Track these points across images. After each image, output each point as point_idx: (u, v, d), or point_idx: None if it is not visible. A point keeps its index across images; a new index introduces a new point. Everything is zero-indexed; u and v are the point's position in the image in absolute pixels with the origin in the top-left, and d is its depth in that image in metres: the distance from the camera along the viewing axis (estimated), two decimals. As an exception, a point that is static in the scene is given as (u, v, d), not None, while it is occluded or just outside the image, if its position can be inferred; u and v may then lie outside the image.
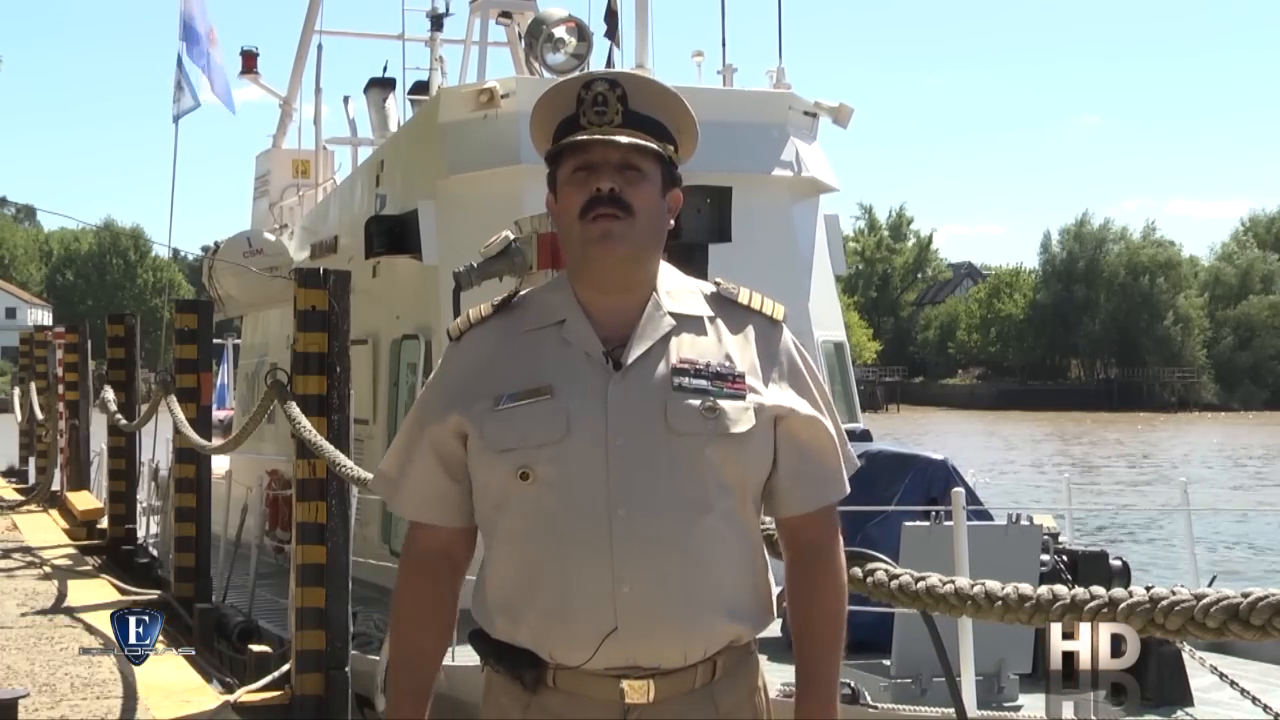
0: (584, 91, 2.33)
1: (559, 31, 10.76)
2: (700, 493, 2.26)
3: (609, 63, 11.13)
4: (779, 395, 2.34)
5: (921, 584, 3.03)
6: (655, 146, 2.32)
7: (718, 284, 2.43)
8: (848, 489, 2.43)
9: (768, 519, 2.47)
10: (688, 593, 2.22)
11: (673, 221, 2.41)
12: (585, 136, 2.30)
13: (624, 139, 2.29)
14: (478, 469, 2.33)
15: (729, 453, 2.27)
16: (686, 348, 2.32)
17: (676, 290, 2.39)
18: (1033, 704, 6.86)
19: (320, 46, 16.66)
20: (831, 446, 2.40)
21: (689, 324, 2.35)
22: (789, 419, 2.35)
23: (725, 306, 2.40)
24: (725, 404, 2.27)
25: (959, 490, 7.26)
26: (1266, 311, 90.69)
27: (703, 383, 2.28)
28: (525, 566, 2.27)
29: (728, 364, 2.32)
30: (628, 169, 2.30)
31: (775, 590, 2.42)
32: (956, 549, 6.76)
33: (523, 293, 2.44)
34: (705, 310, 2.38)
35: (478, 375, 2.35)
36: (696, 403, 2.26)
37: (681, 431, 2.25)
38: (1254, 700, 5.34)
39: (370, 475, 6.12)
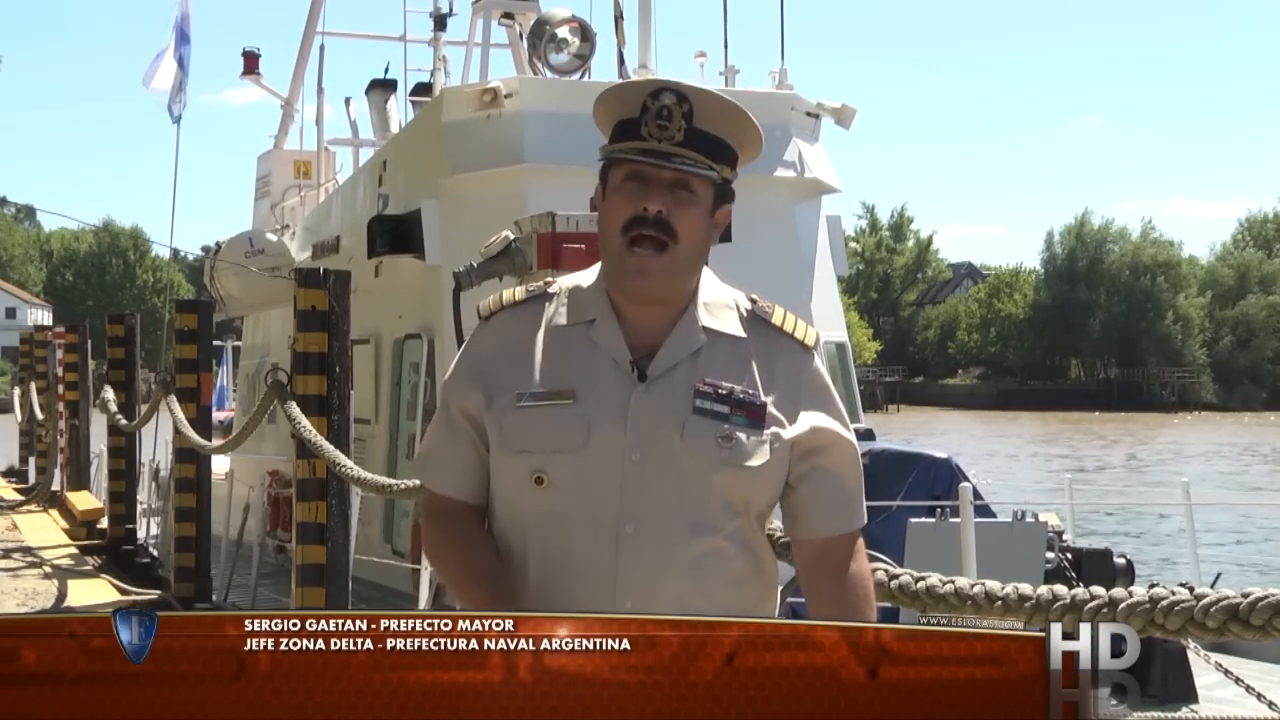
0: (650, 100, 2.28)
1: (562, 32, 10.76)
2: (707, 515, 2.25)
3: (620, 64, 11.12)
4: (803, 424, 2.32)
5: (921, 584, 3.04)
6: (709, 174, 2.29)
7: (754, 301, 2.40)
8: (865, 519, 2.42)
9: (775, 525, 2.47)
10: (690, 610, 2.19)
11: (718, 238, 2.38)
12: (640, 154, 2.27)
13: (679, 168, 2.26)
14: (494, 463, 2.32)
15: (739, 482, 2.26)
16: (714, 368, 2.29)
17: (713, 303, 2.36)
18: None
19: (322, 47, 16.66)
20: (855, 475, 2.39)
21: (720, 342, 2.32)
22: (812, 447, 2.33)
23: (758, 327, 2.36)
24: (742, 435, 2.26)
25: (966, 486, 7.27)
26: (1265, 312, 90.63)
27: (724, 408, 2.26)
28: (529, 568, 2.27)
29: (751, 392, 2.29)
30: (679, 188, 2.27)
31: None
32: (964, 546, 6.76)
33: (556, 284, 2.41)
34: (738, 330, 2.34)
35: (502, 362, 2.33)
36: (714, 428, 2.25)
37: (695, 455, 2.24)
38: (1259, 697, 5.33)
39: (370, 475, 6.14)
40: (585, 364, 2.29)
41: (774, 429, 2.28)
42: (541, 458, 2.25)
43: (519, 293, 2.40)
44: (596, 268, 2.40)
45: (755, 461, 2.26)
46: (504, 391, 2.30)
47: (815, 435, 2.33)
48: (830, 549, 2.37)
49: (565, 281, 2.42)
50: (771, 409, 2.29)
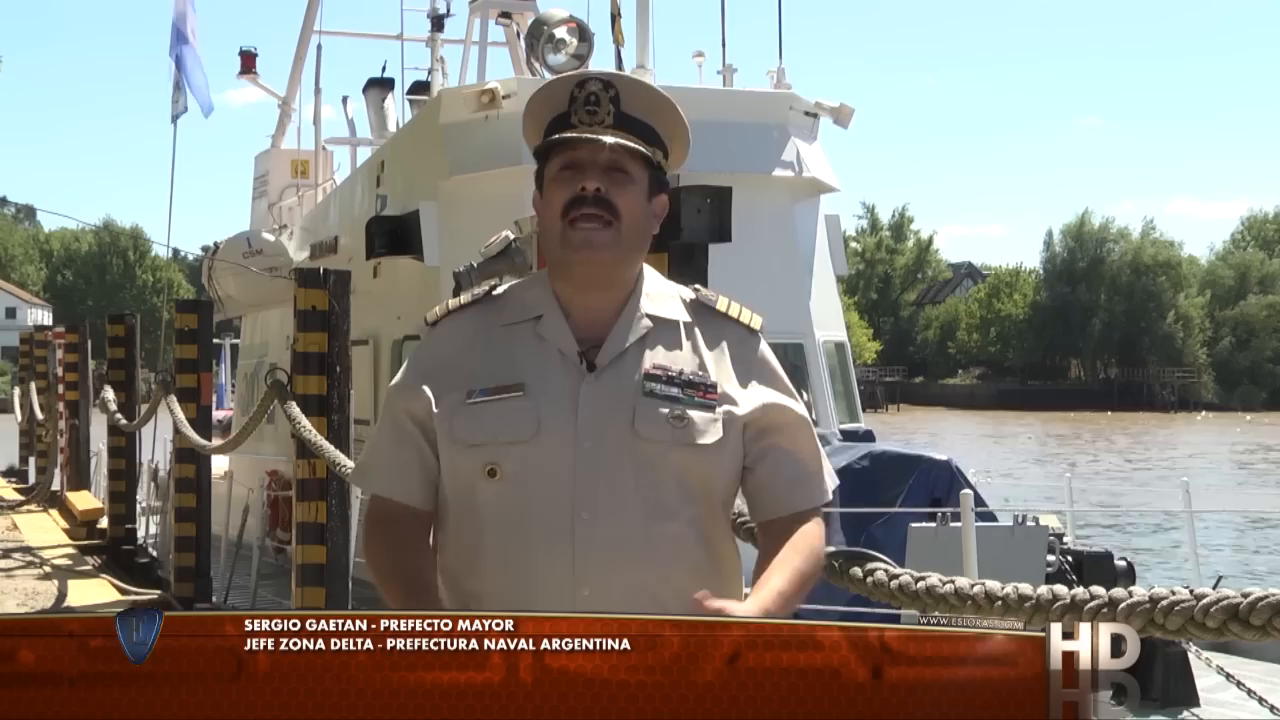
0: (577, 90, 2.32)
1: (560, 32, 10.76)
2: (664, 500, 2.26)
3: (618, 63, 11.13)
4: (753, 404, 2.33)
5: (921, 584, 3.04)
6: (643, 150, 2.31)
7: (697, 290, 2.42)
8: (829, 495, 2.41)
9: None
10: (649, 597, 2.20)
11: (658, 227, 2.39)
12: (573, 134, 2.30)
13: (611, 139, 2.28)
14: (445, 462, 2.32)
15: (694, 462, 2.27)
16: (661, 353, 2.31)
17: (656, 293, 2.38)
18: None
19: (319, 47, 16.67)
20: (813, 451, 2.39)
21: (665, 329, 2.34)
22: (765, 426, 2.33)
23: (703, 313, 2.39)
24: (694, 414, 2.27)
25: (968, 492, 7.27)
26: (1265, 312, 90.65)
27: (674, 390, 2.28)
28: (485, 561, 2.27)
29: (700, 373, 2.31)
30: (615, 170, 2.29)
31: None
32: (965, 551, 6.75)
33: (502, 286, 2.44)
34: (683, 315, 2.37)
35: (451, 365, 2.34)
36: (665, 410, 2.26)
37: (648, 438, 2.25)
38: (1260, 700, 5.33)
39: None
40: (533, 358, 2.31)
41: (725, 407, 2.30)
42: (493, 450, 2.26)
43: (464, 298, 2.42)
44: (541, 271, 2.43)
45: (709, 439, 2.27)
46: (452, 391, 2.31)
47: (767, 413, 2.34)
48: (790, 525, 2.36)
49: (510, 284, 2.44)
50: (723, 388, 2.31)
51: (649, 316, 2.34)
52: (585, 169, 2.29)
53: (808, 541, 2.34)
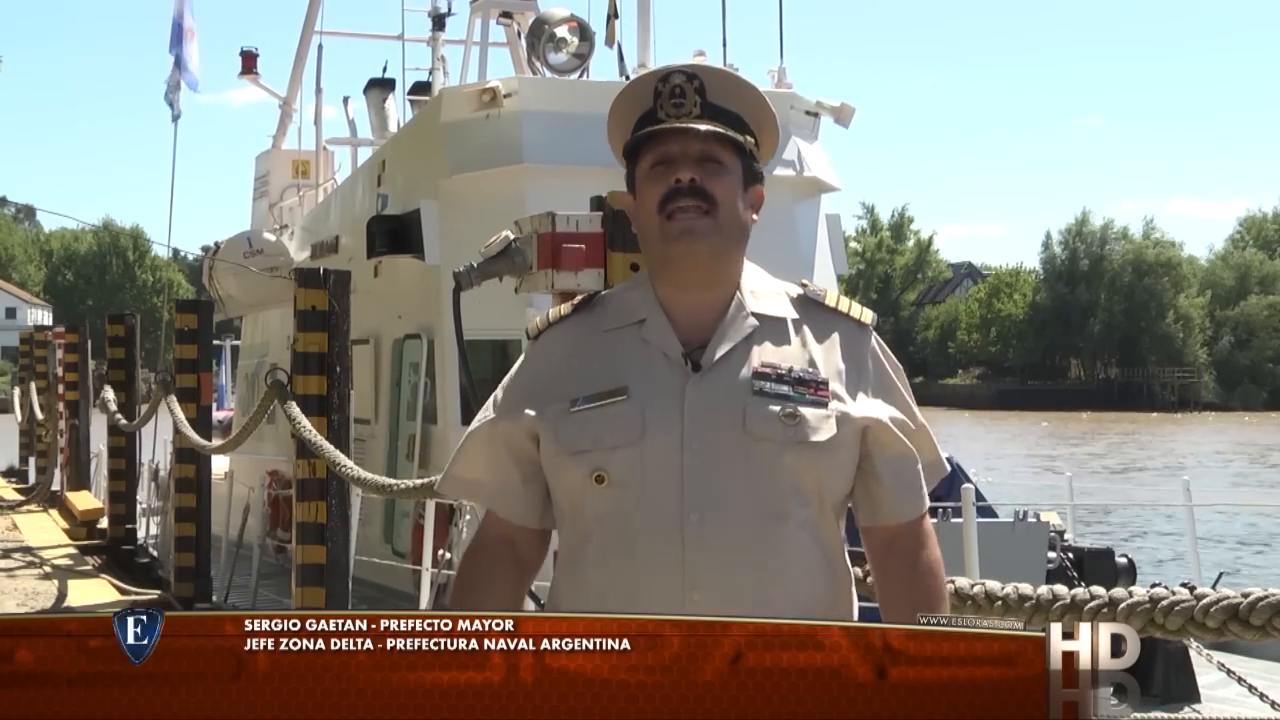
0: (661, 84, 2.28)
1: (561, 31, 10.78)
2: (777, 501, 2.21)
3: (620, 63, 11.14)
4: (867, 405, 2.28)
5: (922, 583, 3.03)
6: (735, 136, 2.27)
7: (804, 285, 2.37)
8: (926, 500, 2.39)
9: None
10: (759, 601, 2.16)
11: (756, 219, 2.34)
12: (662, 126, 2.26)
13: (702, 127, 2.24)
14: (552, 472, 2.29)
15: (808, 461, 2.22)
16: (769, 351, 2.26)
17: (761, 290, 2.33)
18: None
19: (320, 47, 16.68)
20: (926, 457, 2.36)
21: (772, 326, 2.29)
22: (881, 429, 2.29)
23: (811, 309, 2.33)
24: (806, 411, 2.22)
25: (969, 487, 7.27)
26: (1265, 312, 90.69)
27: (784, 388, 2.22)
28: (596, 566, 2.24)
29: (811, 370, 2.25)
30: (708, 161, 2.25)
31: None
32: (966, 547, 6.75)
33: (604, 293, 2.40)
34: (790, 312, 2.31)
35: (554, 377, 2.30)
36: (777, 408, 2.21)
37: (760, 437, 2.20)
38: (1261, 696, 5.32)
39: (370, 475, 6.13)
40: (637, 361, 2.26)
41: (838, 404, 2.25)
42: (599, 456, 2.22)
43: (565, 308, 2.38)
44: (642, 274, 2.38)
45: (822, 436, 2.22)
46: (555, 401, 2.27)
47: (883, 427, 2.29)
48: (900, 534, 2.34)
49: (612, 291, 2.41)
50: (834, 385, 2.26)
51: (755, 315, 2.29)
52: (677, 162, 2.24)
53: (938, 573, 2.35)
